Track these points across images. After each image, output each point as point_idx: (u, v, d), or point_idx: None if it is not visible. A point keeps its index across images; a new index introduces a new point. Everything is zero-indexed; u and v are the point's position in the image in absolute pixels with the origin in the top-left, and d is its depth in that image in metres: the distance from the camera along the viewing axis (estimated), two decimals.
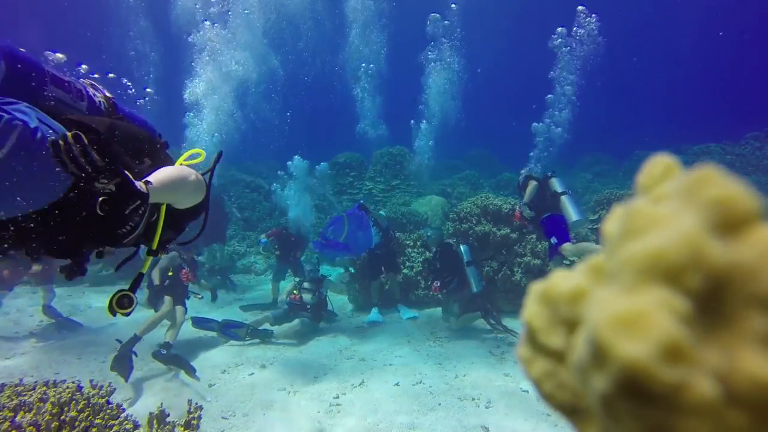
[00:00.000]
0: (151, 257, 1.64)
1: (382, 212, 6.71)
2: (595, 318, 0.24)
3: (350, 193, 10.74)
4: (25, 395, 2.28)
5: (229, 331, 4.98)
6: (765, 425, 0.21)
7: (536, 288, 0.32)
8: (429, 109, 12.02)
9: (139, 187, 1.31)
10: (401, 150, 11.08)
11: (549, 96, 8.43)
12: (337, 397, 3.71)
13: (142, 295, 5.06)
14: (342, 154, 11.47)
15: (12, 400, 2.21)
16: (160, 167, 1.51)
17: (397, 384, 3.92)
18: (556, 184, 4.72)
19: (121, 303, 1.48)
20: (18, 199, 1.18)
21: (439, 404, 3.58)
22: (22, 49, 1.35)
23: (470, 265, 5.21)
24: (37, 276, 5.07)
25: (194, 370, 4.06)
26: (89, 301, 6.20)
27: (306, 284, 5.48)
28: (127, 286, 1.52)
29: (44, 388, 2.39)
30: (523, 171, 5.42)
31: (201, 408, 2.55)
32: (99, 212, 1.25)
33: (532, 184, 4.79)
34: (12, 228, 1.22)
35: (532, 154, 7.73)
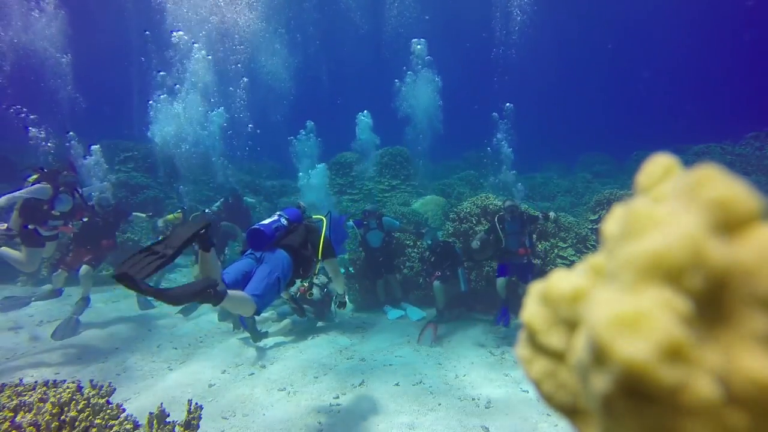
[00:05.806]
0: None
1: (396, 222, 6.62)
2: (595, 318, 0.24)
3: (350, 193, 10.73)
4: (25, 395, 2.28)
5: (244, 319, 5.01)
6: (765, 425, 0.21)
7: (536, 288, 0.32)
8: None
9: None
10: (401, 150, 11.08)
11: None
12: (337, 397, 3.71)
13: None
14: (342, 153, 11.46)
15: (12, 400, 2.21)
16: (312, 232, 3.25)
17: (397, 384, 3.92)
18: None
19: (310, 293, 3.59)
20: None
21: (439, 404, 3.58)
22: (265, 225, 2.98)
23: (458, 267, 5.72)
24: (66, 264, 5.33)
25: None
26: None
27: (316, 281, 5.53)
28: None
29: (44, 388, 2.39)
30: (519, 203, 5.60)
31: (201, 408, 2.55)
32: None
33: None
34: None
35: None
